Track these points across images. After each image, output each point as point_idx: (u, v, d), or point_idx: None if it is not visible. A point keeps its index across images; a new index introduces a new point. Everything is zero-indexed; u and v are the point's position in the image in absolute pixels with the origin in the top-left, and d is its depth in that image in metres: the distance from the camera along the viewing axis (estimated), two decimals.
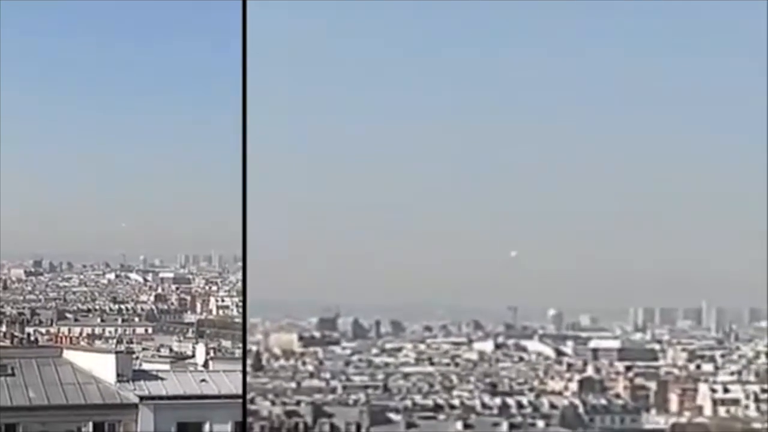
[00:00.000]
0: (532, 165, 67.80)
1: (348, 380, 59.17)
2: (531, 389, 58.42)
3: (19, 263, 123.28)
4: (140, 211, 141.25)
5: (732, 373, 59.18)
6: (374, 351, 62.47)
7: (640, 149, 68.97)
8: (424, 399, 57.62)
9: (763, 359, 59.53)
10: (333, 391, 58.24)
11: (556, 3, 66.27)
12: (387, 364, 60.95)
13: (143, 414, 37.86)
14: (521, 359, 61.48)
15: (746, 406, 55.77)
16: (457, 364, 61.12)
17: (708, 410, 56.06)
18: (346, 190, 67.39)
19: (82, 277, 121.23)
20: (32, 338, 78.43)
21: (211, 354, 51.04)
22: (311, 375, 59.69)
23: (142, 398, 38.15)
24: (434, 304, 64.59)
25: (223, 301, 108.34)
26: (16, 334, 77.37)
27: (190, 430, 38.48)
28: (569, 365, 60.63)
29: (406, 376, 59.60)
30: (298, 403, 56.81)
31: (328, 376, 59.55)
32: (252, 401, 56.98)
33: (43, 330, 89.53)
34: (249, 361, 59.90)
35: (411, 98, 69.54)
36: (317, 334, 63.64)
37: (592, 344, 62.61)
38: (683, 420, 55.73)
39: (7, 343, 70.42)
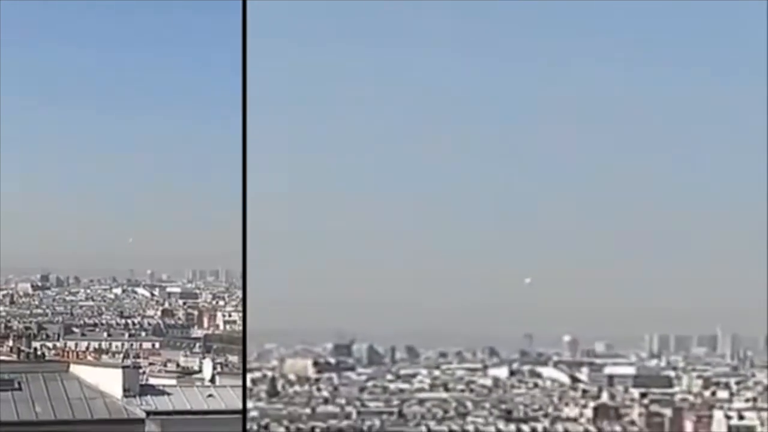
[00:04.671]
0: (547, 191, 67.79)
1: (363, 406, 59.22)
2: (546, 415, 58.42)
3: (26, 277, 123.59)
4: (147, 225, 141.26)
5: (747, 400, 59.02)
6: (389, 377, 62.46)
7: (657, 175, 68.87)
8: (439, 425, 57.73)
9: None
10: (348, 417, 58.34)
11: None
12: (402, 390, 60.97)
13: (150, 429, 38.09)
14: (536, 386, 61.41)
15: None
16: (471, 390, 61.10)
17: None
18: (360, 215, 67.49)
19: (89, 291, 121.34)
20: (39, 353, 78.79)
21: (218, 369, 51.31)
22: (326, 401, 59.76)
23: (148, 413, 38.35)
24: (449, 331, 64.54)
25: (230, 316, 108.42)
26: (23, 348, 77.86)
27: None
28: (584, 392, 60.54)
29: (421, 402, 59.59)
30: (312, 429, 57.04)
31: (343, 402, 59.58)
32: (266, 427, 57.25)
33: (50, 344, 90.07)
34: (264, 387, 60.19)
35: (420, 119, 69.63)
36: (332, 360, 63.65)
37: (607, 371, 62.42)
38: None
39: (14, 357, 70.84)
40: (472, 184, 69.01)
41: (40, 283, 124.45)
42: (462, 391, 61.01)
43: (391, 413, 58.41)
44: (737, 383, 61.09)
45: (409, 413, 58.46)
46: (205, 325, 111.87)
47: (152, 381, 48.63)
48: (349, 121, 70.85)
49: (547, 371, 62.58)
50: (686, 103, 69.22)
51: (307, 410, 58.82)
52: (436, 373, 62.80)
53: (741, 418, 57.16)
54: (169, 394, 40.59)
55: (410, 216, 68.46)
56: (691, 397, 60.04)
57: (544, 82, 68.98)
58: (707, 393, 60.25)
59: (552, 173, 68.76)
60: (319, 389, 61.06)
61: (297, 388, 61.04)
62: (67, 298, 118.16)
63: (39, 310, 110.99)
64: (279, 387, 60.83)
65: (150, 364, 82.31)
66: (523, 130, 70.19)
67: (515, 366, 63.07)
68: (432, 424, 57.76)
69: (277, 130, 65.13)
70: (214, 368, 51.85)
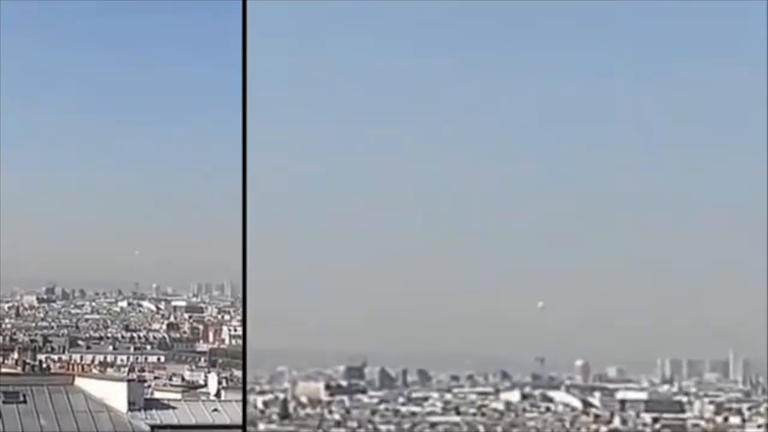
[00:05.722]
0: (561, 216, 67.78)
1: (375, 429, 59.19)
2: None
3: (31, 290, 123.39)
4: (153, 239, 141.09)
5: (759, 426, 58.99)
6: (401, 400, 62.37)
7: (668, 197, 68.90)
8: None
9: None
10: None
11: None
12: (414, 414, 60.92)
13: None
14: (548, 410, 61.33)
15: None
16: (483, 414, 61.01)
17: None
18: (372, 238, 67.45)
19: (94, 304, 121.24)
20: (44, 365, 78.68)
21: (224, 383, 51.25)
22: (338, 424, 59.73)
23: (153, 427, 38.30)
24: (461, 354, 64.51)
25: (235, 330, 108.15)
26: (28, 361, 77.80)
27: None
28: (596, 416, 60.51)
29: (432, 425, 59.57)
30: None
31: (354, 425, 59.62)
32: None
33: (55, 357, 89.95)
34: (275, 409, 60.17)
35: (426, 139, 69.58)
36: (344, 383, 63.59)
37: (619, 395, 62.32)
38: None
39: (19, 370, 70.71)
40: (484, 205, 68.98)
41: (45, 296, 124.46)
42: (474, 414, 60.93)
43: None
44: (749, 409, 61.01)
45: None
46: (211, 339, 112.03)
47: (157, 395, 48.73)
48: (357, 134, 70.70)
49: (559, 395, 62.47)
50: (694, 119, 69.25)
51: None
52: (448, 396, 62.71)
53: None
54: (173, 408, 40.59)
55: (423, 240, 68.45)
56: (703, 423, 59.95)
57: (557, 92, 68.85)
58: (719, 419, 60.17)
59: (564, 197, 68.77)
60: (330, 412, 60.97)
61: (309, 410, 60.96)
62: (73, 311, 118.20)
63: (44, 323, 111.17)
64: (291, 409, 60.77)
65: (155, 377, 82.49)
66: (536, 146, 70.12)
67: (527, 390, 62.97)
68: None
69: (280, 136, 65.03)
70: (219, 383, 51.85)
